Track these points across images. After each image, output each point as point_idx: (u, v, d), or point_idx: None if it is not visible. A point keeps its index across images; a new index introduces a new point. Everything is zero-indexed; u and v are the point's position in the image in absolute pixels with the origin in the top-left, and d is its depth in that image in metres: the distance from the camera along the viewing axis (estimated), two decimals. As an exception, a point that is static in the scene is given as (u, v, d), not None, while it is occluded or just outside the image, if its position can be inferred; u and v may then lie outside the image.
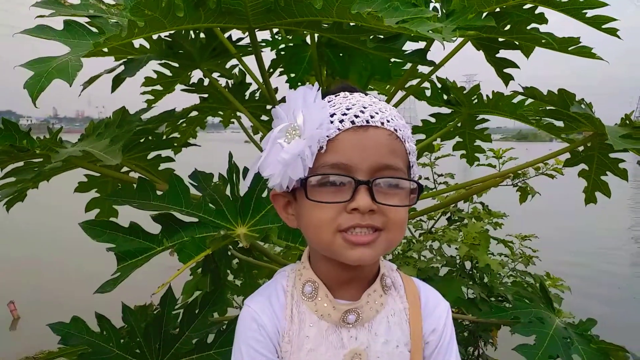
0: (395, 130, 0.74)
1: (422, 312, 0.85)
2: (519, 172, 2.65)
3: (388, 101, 1.75)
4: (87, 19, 1.06)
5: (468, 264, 2.89)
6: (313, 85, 0.77)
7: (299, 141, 0.71)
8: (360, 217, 0.71)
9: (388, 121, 0.74)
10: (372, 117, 0.73)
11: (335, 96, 0.77)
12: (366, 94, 0.79)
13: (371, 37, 1.30)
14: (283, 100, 1.87)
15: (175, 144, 1.82)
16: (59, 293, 5.20)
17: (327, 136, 0.71)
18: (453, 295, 2.59)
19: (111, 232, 1.15)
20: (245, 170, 1.31)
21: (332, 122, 0.72)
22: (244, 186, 1.30)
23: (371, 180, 0.71)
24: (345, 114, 0.72)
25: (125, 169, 1.69)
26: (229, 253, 1.70)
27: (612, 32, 1.48)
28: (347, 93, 0.77)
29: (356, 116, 0.72)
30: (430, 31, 1.06)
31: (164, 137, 1.73)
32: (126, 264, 1.14)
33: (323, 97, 0.77)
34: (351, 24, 1.19)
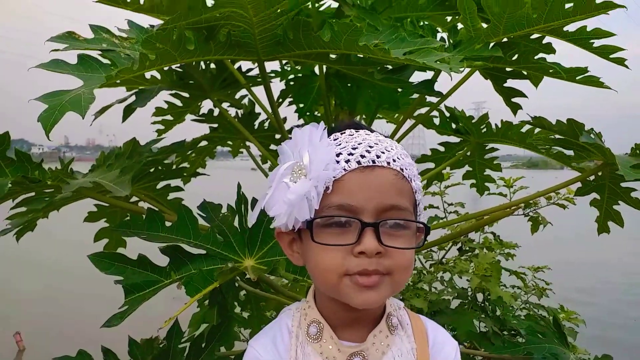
0: (402, 169, 0.74)
1: (430, 351, 0.82)
2: (530, 201, 2.62)
3: (396, 130, 1.76)
4: (100, 52, 1.08)
5: (480, 296, 2.83)
6: (319, 122, 0.77)
7: (305, 181, 0.71)
8: (367, 262, 0.70)
9: (394, 160, 0.73)
10: (378, 157, 0.72)
11: (341, 134, 0.76)
12: (372, 131, 0.78)
13: (378, 68, 1.31)
14: (292, 130, 1.88)
15: (185, 174, 1.82)
16: (66, 324, 5.17)
17: (333, 176, 0.71)
18: (465, 328, 2.53)
19: (119, 264, 1.14)
20: (254, 200, 1.31)
21: (338, 162, 0.71)
22: (252, 217, 1.29)
23: (377, 222, 0.70)
24: (351, 154, 0.72)
25: (134, 198, 1.70)
26: (236, 284, 1.68)
27: (620, 61, 1.49)
28: (353, 131, 0.77)
29: (362, 156, 0.71)
30: (437, 62, 1.07)
31: (174, 166, 1.74)
32: (134, 296, 1.12)
33: (329, 134, 0.77)
34: (359, 55, 1.21)
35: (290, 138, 0.79)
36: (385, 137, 0.79)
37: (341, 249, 0.70)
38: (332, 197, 0.70)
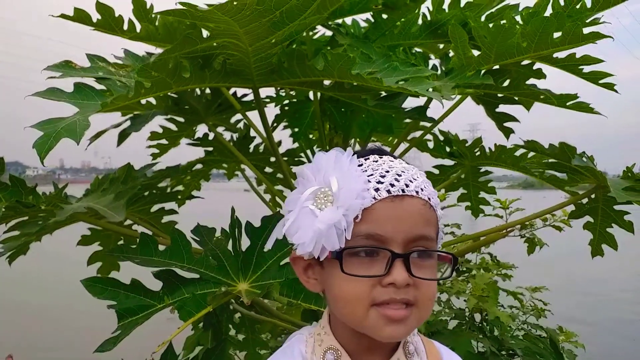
0: (429, 199, 0.72)
1: None
2: (526, 223, 2.63)
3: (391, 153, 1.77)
4: (95, 79, 1.10)
5: (477, 317, 2.82)
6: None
7: (334, 210, 0.69)
8: (395, 292, 0.68)
9: (422, 189, 0.72)
10: (407, 185, 0.70)
11: (365, 159, 0.74)
12: (395, 158, 0.76)
13: (372, 94, 1.33)
14: (286, 154, 1.88)
15: (179, 197, 1.83)
16: (59, 344, 5.11)
17: (363, 205, 0.69)
18: (462, 349, 2.52)
19: (112, 289, 1.14)
20: (248, 224, 1.32)
21: (367, 189, 0.70)
22: (245, 241, 1.30)
23: (408, 253, 0.69)
24: (380, 182, 0.70)
25: (128, 221, 1.70)
26: (231, 307, 1.68)
27: (610, 87, 1.51)
28: (377, 157, 0.75)
29: (392, 185, 0.70)
30: (428, 90, 1.09)
31: (168, 189, 1.75)
32: (127, 321, 1.12)
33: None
34: (352, 83, 1.23)
35: (290, 163, 0.78)
36: (408, 163, 0.77)
37: (369, 279, 0.69)
38: (361, 226, 0.69)
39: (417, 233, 0.70)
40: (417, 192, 0.71)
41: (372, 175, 0.71)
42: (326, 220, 0.68)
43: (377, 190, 0.70)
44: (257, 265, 1.27)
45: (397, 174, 0.71)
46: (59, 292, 6.99)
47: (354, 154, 0.74)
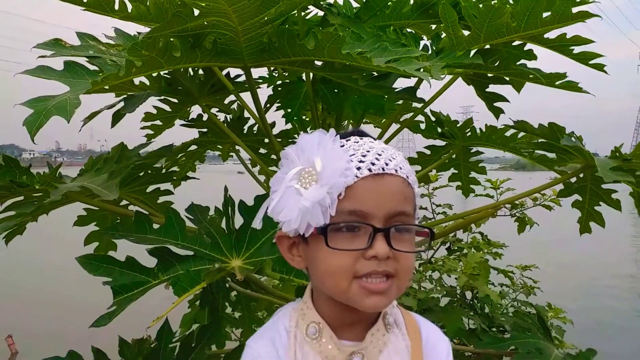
0: (407, 176, 0.77)
1: (424, 349, 0.85)
2: (517, 202, 2.66)
3: (382, 134, 1.79)
4: (87, 59, 1.11)
5: (469, 294, 2.87)
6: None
7: (318, 188, 0.72)
8: (376, 264, 0.72)
9: (401, 168, 0.76)
10: (387, 164, 0.75)
11: (347, 141, 0.78)
12: (375, 139, 0.81)
13: (363, 74, 1.34)
14: (280, 135, 1.90)
15: (175, 178, 1.85)
16: (58, 326, 5.16)
17: (347, 183, 0.73)
18: (453, 326, 2.57)
19: (108, 266, 1.17)
20: (242, 203, 1.34)
21: (349, 168, 0.73)
22: (239, 219, 1.32)
23: (388, 227, 0.73)
24: (362, 161, 0.74)
25: (124, 202, 1.72)
26: (227, 285, 1.71)
27: (600, 67, 1.53)
28: (358, 138, 0.79)
29: (373, 164, 0.74)
30: (417, 70, 1.10)
31: (163, 170, 1.76)
32: (122, 297, 1.15)
33: None
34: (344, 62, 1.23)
35: (283, 144, 0.81)
36: (386, 144, 0.81)
37: (352, 253, 0.73)
38: (344, 203, 0.72)
39: (396, 209, 0.74)
40: (396, 171, 0.75)
41: (354, 155, 0.75)
42: (311, 197, 0.72)
43: (359, 169, 0.74)
44: (250, 242, 1.30)
45: (378, 154, 0.75)
46: (57, 276, 7.04)
47: (336, 135, 0.77)
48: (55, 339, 4.43)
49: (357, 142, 0.78)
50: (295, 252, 0.82)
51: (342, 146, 0.77)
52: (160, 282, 1.19)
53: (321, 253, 0.75)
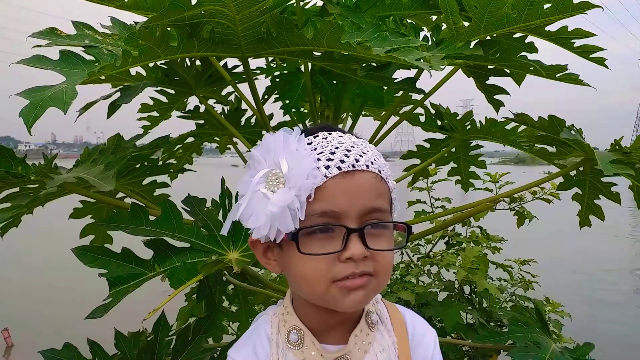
0: (380, 171, 0.74)
1: (410, 343, 0.83)
2: (516, 196, 2.66)
3: (381, 126, 1.78)
4: (83, 49, 1.09)
5: (467, 289, 2.88)
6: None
7: (286, 192, 0.69)
8: (354, 266, 0.70)
9: (372, 163, 0.73)
10: (357, 160, 0.71)
11: (315, 137, 0.74)
12: (344, 133, 0.77)
13: (363, 65, 1.32)
14: (278, 127, 1.89)
15: (172, 170, 1.83)
16: (54, 319, 5.15)
17: (315, 184, 0.69)
18: (452, 320, 2.57)
19: (103, 257, 1.16)
20: (238, 194, 1.33)
21: (318, 168, 0.70)
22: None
23: (362, 227, 0.70)
24: (330, 159, 0.70)
25: (120, 194, 1.70)
26: (224, 279, 1.70)
27: (600, 61, 1.51)
28: (326, 133, 0.75)
29: (342, 161, 0.70)
30: (418, 60, 1.09)
31: (160, 162, 1.75)
32: (118, 289, 1.14)
33: None
34: (342, 53, 1.22)
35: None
36: (357, 137, 0.78)
37: (327, 257, 0.69)
38: (314, 205, 0.69)
39: (370, 206, 0.71)
40: (367, 166, 0.72)
41: (322, 153, 0.72)
42: (279, 202, 0.68)
43: (327, 167, 0.70)
44: (247, 235, 1.28)
45: (347, 150, 0.72)
46: (53, 270, 7.02)
47: (301, 133, 0.74)
48: (51, 332, 4.42)
49: (326, 139, 0.74)
50: (270, 255, 0.78)
51: (310, 144, 0.73)
52: (157, 274, 1.18)
53: (295, 259, 0.71)
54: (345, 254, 0.69)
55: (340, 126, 1.12)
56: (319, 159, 0.71)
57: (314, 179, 0.69)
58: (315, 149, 0.72)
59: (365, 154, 0.73)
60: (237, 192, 1.26)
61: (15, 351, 4.75)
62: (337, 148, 0.72)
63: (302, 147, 0.72)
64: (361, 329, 0.79)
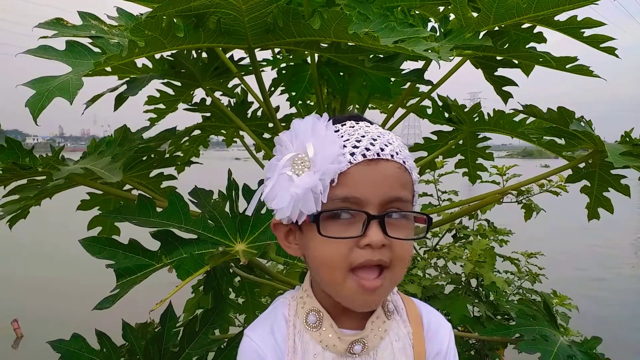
0: (404, 162, 0.74)
1: (425, 335, 0.83)
2: (523, 189, 2.64)
3: (388, 119, 1.77)
4: (89, 40, 1.09)
5: (474, 282, 2.87)
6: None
7: (310, 175, 0.70)
8: (371, 253, 0.70)
9: (397, 153, 0.74)
10: (382, 150, 0.72)
11: (342, 125, 0.76)
12: (372, 124, 0.78)
13: (370, 56, 1.31)
14: (284, 120, 1.88)
15: (178, 163, 1.83)
16: (62, 311, 5.20)
17: (340, 170, 0.71)
18: (458, 313, 2.57)
19: (111, 248, 1.16)
20: (245, 187, 1.33)
21: (343, 154, 0.71)
22: (243, 203, 1.31)
23: (383, 214, 0.70)
24: (356, 147, 0.72)
25: (127, 186, 1.71)
26: (231, 271, 1.70)
27: (611, 51, 1.49)
28: (354, 122, 0.76)
29: (367, 149, 0.71)
30: (426, 50, 1.08)
31: (167, 155, 1.75)
32: (125, 280, 1.14)
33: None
34: (349, 43, 1.21)
35: (287, 128, 0.79)
36: (386, 131, 0.79)
37: (346, 241, 0.70)
38: (337, 190, 0.70)
39: (392, 195, 0.72)
40: (392, 156, 0.73)
41: (348, 140, 0.73)
42: (303, 184, 0.70)
43: (352, 154, 0.71)
44: (254, 226, 1.29)
45: (373, 139, 0.73)
46: (59, 262, 7.08)
47: (329, 120, 0.75)
48: (59, 324, 4.46)
49: (353, 127, 0.75)
50: (292, 239, 0.80)
51: (337, 131, 0.75)
52: (164, 265, 1.18)
53: (315, 241, 0.73)
54: (364, 240, 0.70)
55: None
56: (344, 146, 0.72)
57: (339, 164, 0.70)
58: (342, 136, 0.74)
59: (390, 144, 0.74)
60: (244, 184, 1.27)
61: (25, 342, 4.80)
62: (363, 137, 0.73)
63: (329, 133, 0.73)
64: (378, 316, 0.80)
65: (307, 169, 0.71)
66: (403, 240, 0.73)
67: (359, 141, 0.72)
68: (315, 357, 0.77)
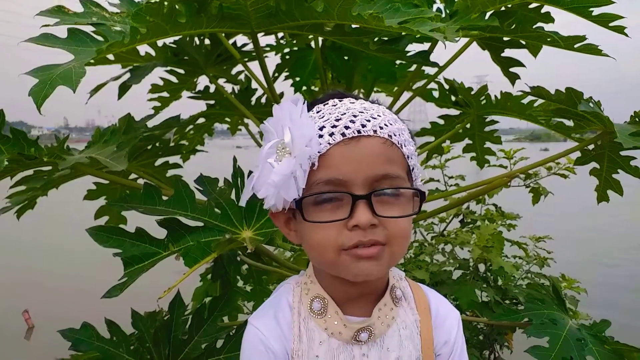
0: (390, 136, 0.70)
1: (433, 323, 0.82)
2: (531, 172, 2.62)
3: (394, 102, 1.75)
4: (91, 27, 1.08)
5: (482, 267, 2.86)
6: (317, 97, 0.74)
7: (289, 160, 0.68)
8: (362, 234, 0.68)
9: (381, 128, 0.70)
10: (363, 126, 0.69)
11: (324, 105, 0.73)
12: (357, 99, 0.74)
13: (374, 39, 1.30)
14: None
15: (184, 151, 1.83)
16: (72, 302, 5.24)
17: (318, 152, 0.68)
18: (467, 298, 2.56)
19: (118, 237, 1.16)
20: (250, 173, 1.32)
21: (321, 136, 0.68)
22: (243, 199, 1.30)
23: (369, 193, 0.67)
24: (334, 126, 0.69)
25: (133, 175, 1.71)
26: (238, 259, 1.70)
27: (620, 29, 1.46)
28: (337, 100, 0.73)
29: (346, 127, 0.68)
30: (432, 31, 1.06)
31: (172, 144, 1.74)
32: (133, 268, 1.14)
33: (311, 106, 0.74)
34: (353, 26, 1.19)
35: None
36: (373, 103, 0.75)
37: (335, 224, 0.68)
38: (319, 173, 0.68)
39: (378, 172, 0.69)
40: (375, 131, 0.69)
41: (327, 119, 0.70)
42: (281, 171, 0.68)
43: (331, 135, 0.69)
44: (260, 213, 1.28)
45: (354, 115, 0.70)
46: (67, 254, 7.14)
47: (311, 102, 0.73)
48: (68, 315, 4.51)
49: (335, 106, 0.72)
50: (292, 226, 0.78)
51: (319, 111, 0.72)
52: (171, 253, 1.18)
53: (306, 227, 0.71)
54: (351, 222, 0.67)
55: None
56: (323, 127, 0.69)
57: (317, 146, 0.68)
58: (322, 117, 0.71)
59: (374, 118, 0.70)
60: (249, 170, 1.26)
61: (36, 333, 4.85)
62: (344, 114, 0.70)
63: (304, 115, 0.70)
64: (385, 303, 0.78)
65: (287, 154, 0.69)
66: (396, 217, 0.69)
67: (338, 120, 0.69)
68: (320, 345, 0.75)
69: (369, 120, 0.70)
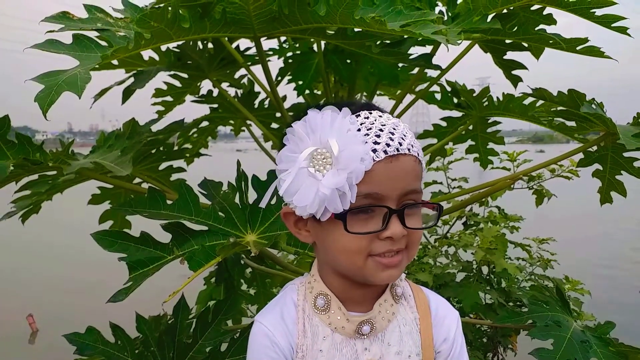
0: (418, 154, 0.76)
1: (432, 321, 0.85)
2: (534, 174, 2.61)
3: (396, 105, 1.75)
4: (96, 33, 1.08)
5: (485, 269, 2.85)
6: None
7: (336, 174, 0.70)
8: (391, 243, 0.73)
9: (412, 146, 0.75)
10: (400, 144, 0.73)
11: (357, 117, 0.75)
12: (383, 112, 0.78)
13: (377, 42, 1.30)
14: (292, 109, 1.87)
15: (187, 155, 1.84)
16: (77, 306, 5.25)
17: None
18: (470, 300, 2.56)
19: (122, 241, 1.16)
20: (255, 178, 1.32)
21: (367, 151, 0.72)
22: (252, 194, 1.31)
23: (402, 208, 0.73)
24: (377, 142, 0.72)
25: (137, 180, 1.71)
26: (242, 262, 1.71)
27: (622, 30, 1.47)
28: (367, 113, 0.76)
29: (387, 145, 0.72)
30: (434, 33, 1.06)
31: (176, 147, 1.75)
32: (137, 273, 1.14)
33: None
34: (355, 29, 1.20)
35: (295, 118, 0.77)
36: (384, 112, 0.79)
37: (368, 235, 0.72)
38: (360, 187, 0.71)
39: (409, 188, 0.74)
40: (409, 150, 0.74)
41: (367, 135, 0.73)
42: (330, 185, 0.70)
43: (375, 151, 0.72)
44: (264, 217, 1.28)
45: (391, 132, 0.74)
46: (72, 259, 7.15)
47: (351, 114, 0.74)
48: (72, 319, 4.51)
49: (367, 119, 0.75)
50: (301, 226, 0.81)
51: (353, 123, 0.74)
52: (175, 257, 1.18)
53: (336, 234, 0.74)
54: (385, 233, 0.72)
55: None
56: (365, 142, 0.72)
57: (369, 164, 0.70)
58: (359, 129, 0.73)
59: (406, 136, 0.75)
60: (253, 174, 1.26)
61: (40, 337, 4.86)
62: (381, 130, 0.73)
63: (353, 129, 0.72)
64: (385, 299, 0.82)
65: (329, 165, 0.71)
66: (422, 229, 0.76)
67: (378, 136, 0.72)
68: (324, 340, 0.79)
69: (403, 139, 0.74)
